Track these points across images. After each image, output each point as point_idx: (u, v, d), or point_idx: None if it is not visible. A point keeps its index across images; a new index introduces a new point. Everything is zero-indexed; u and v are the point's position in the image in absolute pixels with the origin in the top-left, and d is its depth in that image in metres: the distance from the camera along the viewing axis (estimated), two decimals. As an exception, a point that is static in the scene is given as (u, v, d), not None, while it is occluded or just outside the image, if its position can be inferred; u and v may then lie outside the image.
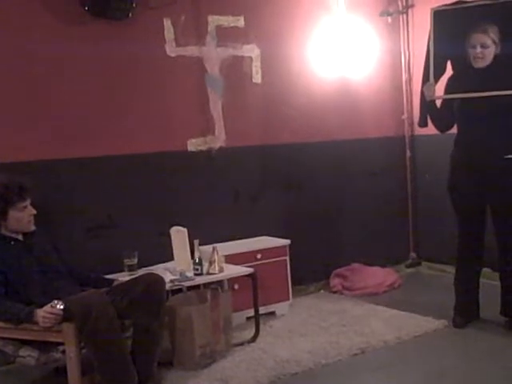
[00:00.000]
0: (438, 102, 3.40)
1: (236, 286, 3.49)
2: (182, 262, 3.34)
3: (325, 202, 4.32)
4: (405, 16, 4.58)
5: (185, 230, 3.36)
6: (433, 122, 3.44)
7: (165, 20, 3.62)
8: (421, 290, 4.20)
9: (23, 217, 2.73)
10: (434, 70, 3.33)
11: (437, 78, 3.36)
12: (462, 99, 3.25)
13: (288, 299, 3.82)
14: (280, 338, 3.38)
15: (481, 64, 3.16)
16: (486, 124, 3.17)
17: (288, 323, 3.61)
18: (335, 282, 4.27)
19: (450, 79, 3.36)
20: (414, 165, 4.72)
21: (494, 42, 3.13)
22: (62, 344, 2.51)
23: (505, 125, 3.16)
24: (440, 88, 3.37)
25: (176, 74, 3.69)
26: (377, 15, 4.46)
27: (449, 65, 3.41)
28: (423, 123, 3.52)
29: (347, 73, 4.37)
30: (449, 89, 3.34)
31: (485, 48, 3.13)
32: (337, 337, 3.33)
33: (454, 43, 3.25)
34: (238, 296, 3.39)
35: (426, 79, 3.38)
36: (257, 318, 3.35)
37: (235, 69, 3.90)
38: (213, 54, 3.81)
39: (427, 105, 3.39)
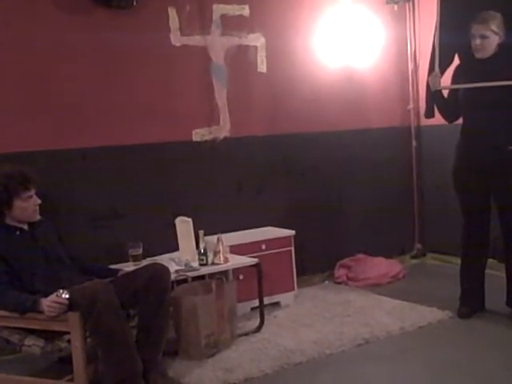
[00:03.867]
0: (446, 93, 3.37)
1: (241, 277, 3.49)
2: (187, 252, 3.35)
3: (330, 193, 4.31)
4: (411, 4, 4.54)
5: (190, 220, 3.37)
6: (440, 112, 3.42)
7: (169, 9, 3.60)
8: (426, 281, 4.19)
9: (28, 207, 2.73)
10: (440, 59, 3.30)
11: (443, 68, 3.33)
12: (466, 89, 3.22)
13: (293, 289, 3.83)
14: (284, 328, 3.39)
15: (481, 55, 3.14)
16: (488, 114, 3.14)
17: (292, 313, 3.62)
18: (340, 272, 4.26)
19: (457, 69, 3.33)
20: (419, 155, 4.70)
21: (495, 33, 3.09)
22: (67, 333, 2.52)
23: (507, 115, 3.13)
24: (448, 78, 3.33)
25: (181, 64, 3.67)
26: (383, 3, 4.41)
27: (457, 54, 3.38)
28: (429, 114, 3.49)
29: (353, 62, 4.34)
30: (454, 79, 3.31)
31: (484, 39, 3.09)
32: (341, 327, 3.34)
33: (460, 32, 3.20)
34: (243, 286, 3.40)
35: (432, 69, 3.34)
36: (261, 309, 3.36)
37: (240, 58, 3.88)
38: (218, 43, 3.79)
39: (433, 95, 3.36)
